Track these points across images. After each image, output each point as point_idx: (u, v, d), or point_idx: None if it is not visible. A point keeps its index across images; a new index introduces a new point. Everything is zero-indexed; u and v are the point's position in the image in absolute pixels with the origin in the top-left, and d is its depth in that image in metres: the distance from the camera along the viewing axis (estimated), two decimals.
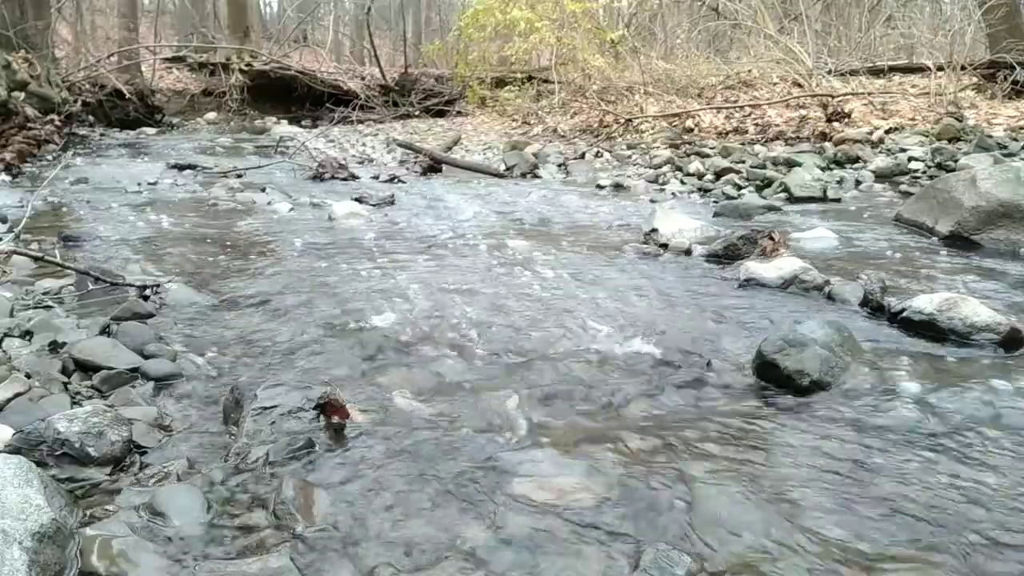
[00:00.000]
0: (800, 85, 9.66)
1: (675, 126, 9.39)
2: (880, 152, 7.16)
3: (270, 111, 14.64)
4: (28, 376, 2.21)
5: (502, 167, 8.02)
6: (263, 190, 6.48)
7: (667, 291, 3.34)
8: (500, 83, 13.19)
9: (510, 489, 1.71)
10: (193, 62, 16.09)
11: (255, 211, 5.59)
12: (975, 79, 9.52)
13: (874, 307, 2.97)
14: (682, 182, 6.80)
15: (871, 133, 7.68)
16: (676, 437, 1.96)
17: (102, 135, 11.02)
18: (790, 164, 6.76)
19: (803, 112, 8.78)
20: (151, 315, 2.94)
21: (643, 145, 8.69)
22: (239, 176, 7.39)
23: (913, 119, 8.35)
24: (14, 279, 3.38)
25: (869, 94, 9.22)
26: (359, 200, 5.73)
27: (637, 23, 13.29)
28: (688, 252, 4.05)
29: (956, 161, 6.44)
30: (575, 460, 1.84)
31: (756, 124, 8.91)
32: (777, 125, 8.66)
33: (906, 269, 3.69)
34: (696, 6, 15.36)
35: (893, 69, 10.89)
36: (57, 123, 8.82)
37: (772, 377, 2.29)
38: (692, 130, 9.16)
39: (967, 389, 2.21)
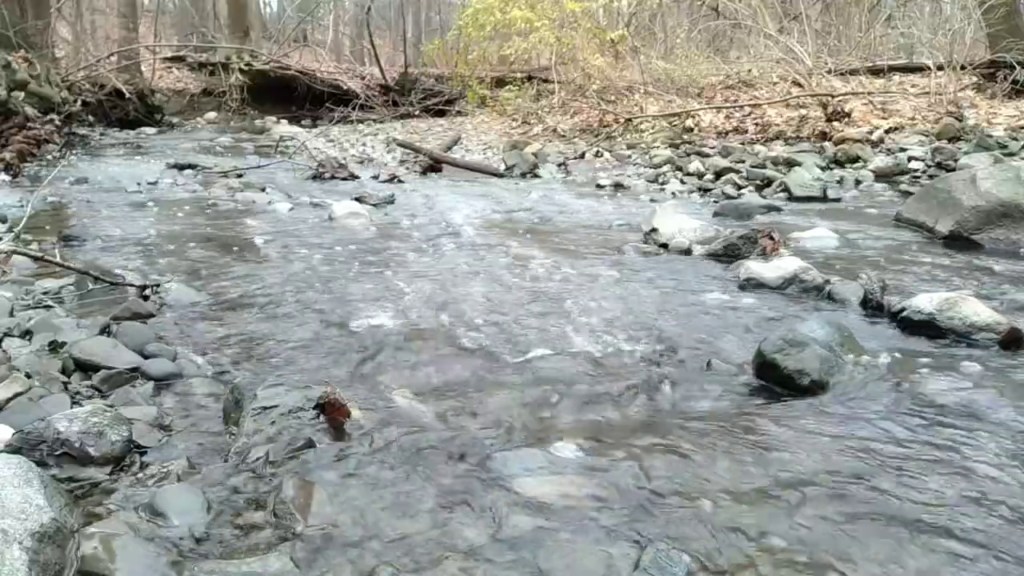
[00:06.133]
0: (800, 85, 9.66)
1: (675, 126, 9.39)
2: (880, 152, 7.17)
3: (270, 111, 14.64)
4: (28, 376, 2.20)
5: (502, 167, 8.03)
6: (263, 190, 6.48)
7: (667, 291, 3.34)
8: (500, 83, 13.18)
9: (510, 488, 1.71)
10: (193, 62, 16.09)
11: (255, 211, 5.59)
12: (975, 79, 9.52)
13: (874, 307, 2.98)
14: (682, 182, 6.81)
15: (871, 133, 7.69)
16: (676, 437, 1.96)
17: (102, 135, 11.01)
18: (790, 164, 6.77)
19: (803, 112, 8.78)
20: (151, 315, 2.94)
21: (643, 145, 8.70)
22: (239, 176, 7.38)
23: (913, 119, 8.36)
24: (14, 279, 3.38)
25: (869, 94, 9.22)
26: (359, 200, 5.74)
27: (637, 23, 13.27)
28: (688, 252, 4.05)
29: (956, 161, 6.44)
30: (575, 459, 1.84)
31: (756, 124, 8.92)
32: (777, 125, 8.66)
33: (906, 269, 3.69)
34: (696, 6, 15.36)
35: (893, 69, 10.89)
36: (57, 123, 8.81)
37: (772, 377, 2.29)
38: (692, 130, 9.16)
39: (967, 389, 2.21)
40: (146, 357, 2.45)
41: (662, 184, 6.82)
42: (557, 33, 11.52)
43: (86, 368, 2.36)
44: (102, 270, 3.42)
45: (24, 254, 3.50)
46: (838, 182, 6.33)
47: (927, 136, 7.54)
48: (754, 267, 3.44)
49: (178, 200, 6.05)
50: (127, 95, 12.30)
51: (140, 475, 1.79)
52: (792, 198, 5.86)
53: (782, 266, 3.39)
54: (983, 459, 1.82)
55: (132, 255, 4.05)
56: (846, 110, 8.43)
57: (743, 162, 7.09)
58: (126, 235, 4.59)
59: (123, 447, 1.84)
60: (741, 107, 9.54)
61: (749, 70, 11.15)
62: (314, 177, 7.41)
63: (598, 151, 8.64)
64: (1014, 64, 9.12)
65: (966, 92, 9.19)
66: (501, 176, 7.70)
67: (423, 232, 4.76)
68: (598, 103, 10.43)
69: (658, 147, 8.38)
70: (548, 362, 2.50)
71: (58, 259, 3.39)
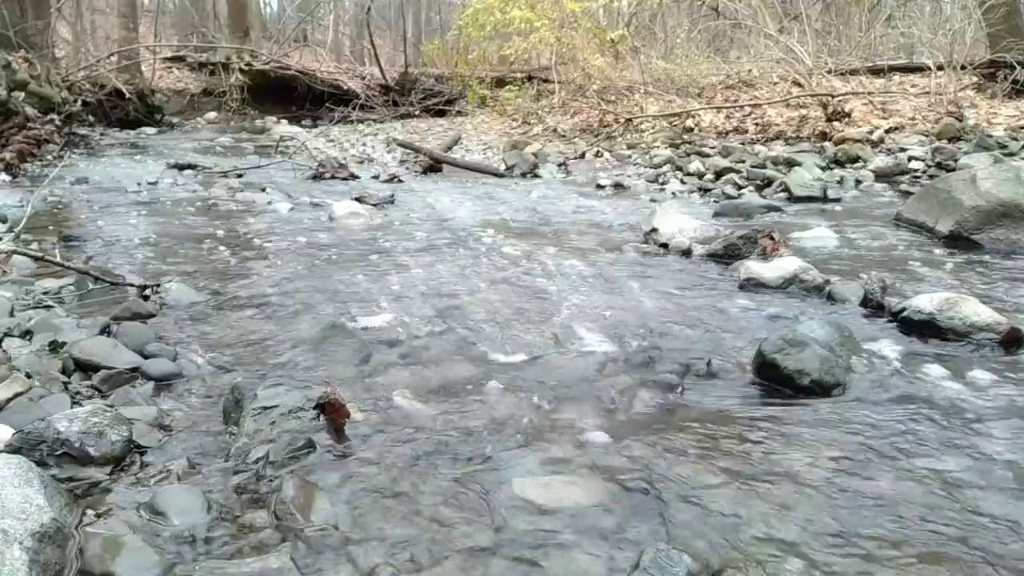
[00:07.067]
0: (800, 84, 9.66)
1: (675, 126, 9.40)
2: (880, 152, 7.17)
3: (270, 111, 14.64)
4: (28, 376, 2.21)
5: (502, 167, 8.02)
6: (263, 190, 6.48)
7: (667, 291, 3.34)
8: (500, 83, 13.18)
9: (510, 489, 1.71)
10: (193, 62, 16.09)
11: (255, 211, 5.59)
12: (975, 79, 9.53)
13: (874, 307, 2.98)
14: (682, 182, 6.80)
15: (871, 133, 7.69)
16: (676, 436, 1.96)
17: (102, 135, 11.01)
18: (790, 164, 6.76)
19: (803, 112, 8.78)
20: (151, 315, 2.94)
21: (643, 145, 8.69)
22: (239, 176, 7.39)
23: (913, 119, 8.36)
24: (14, 279, 3.39)
25: (869, 94, 9.22)
26: (359, 200, 5.74)
27: (637, 23, 13.28)
28: (688, 252, 4.05)
29: (956, 160, 6.44)
30: (575, 459, 1.84)
31: (756, 123, 8.92)
32: (777, 124, 8.66)
33: (906, 269, 3.69)
34: (696, 6, 15.36)
35: (893, 69, 10.90)
36: (57, 123, 8.80)
37: (772, 376, 2.29)
38: (692, 129, 9.16)
39: (967, 389, 2.21)
40: (146, 357, 2.45)
41: (662, 184, 6.81)
42: (557, 33, 11.52)
43: (86, 368, 2.36)
44: (102, 270, 3.42)
45: (24, 254, 3.50)
46: (838, 182, 6.33)
47: (927, 136, 7.53)
48: (754, 267, 3.44)
49: (178, 200, 6.06)
50: (127, 95, 12.30)
51: (140, 475, 1.79)
52: (792, 198, 5.85)
53: (782, 266, 3.39)
54: (983, 459, 1.82)
55: (132, 255, 4.05)
56: (846, 110, 8.43)
57: (743, 162, 7.09)
58: (126, 235, 4.60)
59: (123, 447, 1.84)
60: (741, 107, 9.54)
61: (749, 70, 11.15)
62: (314, 177, 7.41)
63: (598, 151, 8.64)
64: (1014, 64, 9.12)
65: (966, 92, 9.19)
66: (501, 176, 7.70)
67: (423, 232, 4.76)
68: (598, 103, 10.43)
69: (658, 147, 8.38)
70: (548, 362, 2.50)
71: (58, 259, 3.39)
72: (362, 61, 19.85)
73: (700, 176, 6.88)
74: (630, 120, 9.71)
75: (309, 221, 5.16)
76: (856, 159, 6.98)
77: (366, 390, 2.26)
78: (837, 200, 5.82)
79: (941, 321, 2.64)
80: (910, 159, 6.78)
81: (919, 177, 6.37)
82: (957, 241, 4.18)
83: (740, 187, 6.35)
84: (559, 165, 8.10)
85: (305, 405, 2.01)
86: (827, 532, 1.55)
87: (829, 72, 9.91)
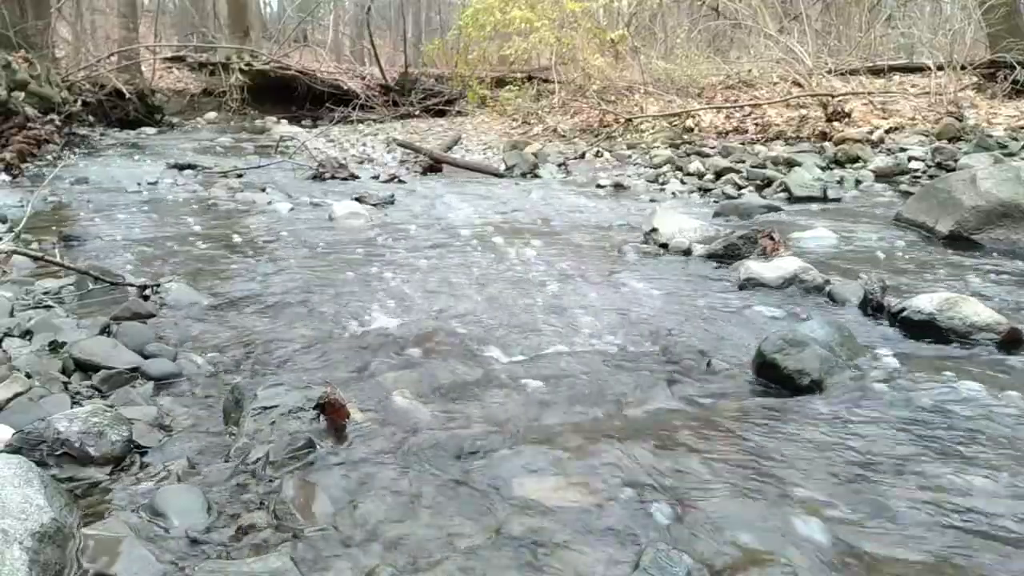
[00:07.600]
0: (800, 85, 9.67)
1: (675, 126, 9.40)
2: (880, 152, 7.17)
3: (270, 111, 14.65)
4: (28, 376, 2.20)
5: (502, 167, 8.02)
6: (263, 190, 6.49)
7: (667, 291, 3.34)
8: (500, 83, 13.19)
9: (510, 489, 1.71)
10: (193, 62, 16.10)
11: (255, 211, 5.59)
12: (975, 79, 9.53)
13: (874, 307, 2.97)
14: (682, 182, 6.80)
15: (871, 133, 7.69)
16: (676, 436, 1.96)
17: (102, 135, 11.01)
18: (790, 164, 6.77)
19: (803, 112, 8.78)
20: (151, 315, 2.94)
21: (643, 145, 8.70)
22: (239, 176, 7.39)
23: (913, 119, 8.36)
24: (14, 279, 3.39)
25: (869, 94, 9.22)
26: (359, 200, 5.74)
27: (637, 23, 13.28)
28: (688, 252, 4.05)
29: (956, 161, 6.45)
30: (575, 460, 1.84)
31: (756, 124, 8.92)
32: (777, 125, 8.66)
33: (906, 269, 3.69)
34: (696, 6, 15.36)
35: (893, 69, 10.90)
36: (57, 123, 8.81)
37: (772, 376, 2.29)
38: (692, 130, 9.16)
39: (967, 389, 2.21)
40: (146, 357, 2.45)
41: (662, 184, 6.81)
42: (557, 33, 11.53)
43: (86, 368, 2.36)
44: (102, 270, 3.42)
45: (24, 254, 3.50)
46: (838, 182, 6.33)
47: (927, 136, 7.54)
48: (754, 267, 3.44)
49: (178, 200, 6.06)
50: (127, 95, 12.30)
51: (140, 475, 1.79)
52: (792, 198, 5.86)
53: (782, 266, 3.39)
54: (982, 459, 1.82)
55: (132, 255, 4.05)
56: (846, 110, 8.43)
57: (743, 162, 7.09)
58: (126, 235, 4.60)
59: (123, 447, 1.84)
60: (741, 107, 9.54)
61: (749, 70, 11.16)
62: (314, 177, 7.41)
63: (598, 151, 8.64)
64: (1014, 64, 9.13)
65: (966, 92, 9.19)
66: (501, 176, 7.70)
67: (423, 232, 4.76)
68: (598, 103, 10.43)
69: (658, 147, 8.38)
70: (548, 362, 2.50)
71: (58, 259, 3.39)
72: (362, 61, 19.85)
73: (700, 176, 6.89)
74: (630, 120, 9.72)
75: (309, 221, 5.16)
76: (856, 159, 6.99)
77: (366, 390, 2.26)
78: (837, 200, 5.82)
79: (941, 321, 2.64)
80: (910, 159, 6.78)
81: (919, 177, 6.37)
82: (957, 241, 4.18)
83: (740, 187, 6.36)
84: (559, 165, 8.10)
85: (305, 405, 2.01)
86: (825, 532, 1.55)
87: (829, 72, 9.91)
